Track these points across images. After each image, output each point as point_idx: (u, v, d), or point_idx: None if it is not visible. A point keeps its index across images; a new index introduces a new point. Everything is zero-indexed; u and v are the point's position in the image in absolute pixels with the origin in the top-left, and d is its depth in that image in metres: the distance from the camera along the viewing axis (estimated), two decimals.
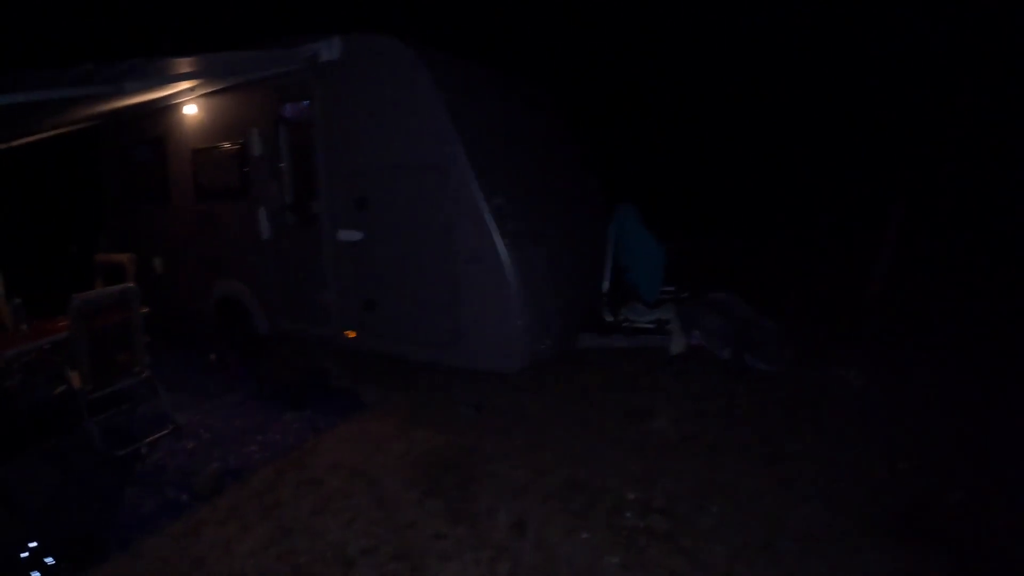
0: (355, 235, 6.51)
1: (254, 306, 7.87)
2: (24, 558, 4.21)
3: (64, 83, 5.22)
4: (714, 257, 13.49)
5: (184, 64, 6.15)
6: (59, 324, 6.42)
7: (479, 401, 6.53)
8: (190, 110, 8.23)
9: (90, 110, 7.50)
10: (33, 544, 4.31)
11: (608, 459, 5.32)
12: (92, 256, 8.44)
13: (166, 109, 8.61)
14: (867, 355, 7.58)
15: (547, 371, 7.04)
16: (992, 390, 6.54)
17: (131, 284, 5.88)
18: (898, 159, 15.20)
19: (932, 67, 14.61)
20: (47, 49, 15.51)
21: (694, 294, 8.01)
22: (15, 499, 4.98)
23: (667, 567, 3.96)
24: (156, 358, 6.19)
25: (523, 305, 5.59)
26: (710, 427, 5.89)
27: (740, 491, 4.79)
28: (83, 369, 5.46)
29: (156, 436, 6.03)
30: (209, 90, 7.79)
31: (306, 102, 6.92)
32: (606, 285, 7.82)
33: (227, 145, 7.85)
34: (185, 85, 7.22)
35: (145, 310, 6.00)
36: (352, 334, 6.82)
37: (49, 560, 4.19)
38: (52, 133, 9.36)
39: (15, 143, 9.17)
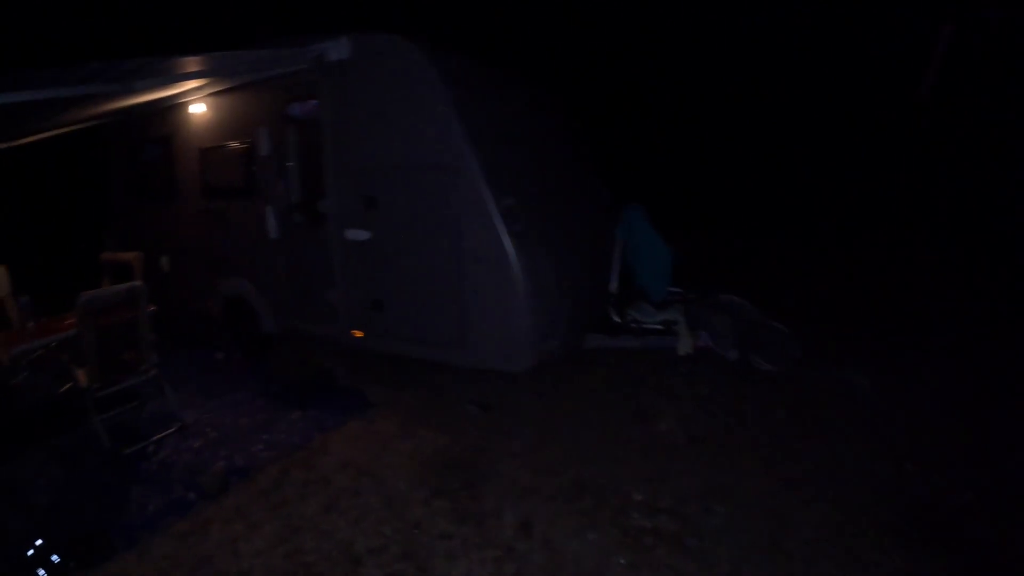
0: (363, 235, 6.51)
1: (261, 305, 7.87)
2: (30, 556, 4.22)
3: (73, 81, 5.23)
4: (719, 257, 13.47)
5: (192, 63, 6.14)
6: (66, 322, 6.43)
7: (486, 401, 6.52)
8: (197, 109, 8.24)
9: (98, 109, 7.50)
10: (39, 542, 4.31)
11: (615, 459, 5.31)
12: (98, 254, 8.46)
13: (173, 108, 8.62)
14: (873, 356, 7.56)
15: (554, 371, 7.03)
16: (999, 391, 6.53)
17: (138, 282, 5.88)
18: (899, 159, 15.25)
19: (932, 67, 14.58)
20: (47, 49, 15.54)
21: (701, 295, 7.99)
22: (21, 496, 4.99)
23: (674, 568, 3.95)
24: (163, 356, 6.20)
25: (530, 305, 5.58)
26: (717, 428, 5.88)
27: (747, 492, 4.78)
28: (90, 367, 5.47)
29: (162, 434, 6.04)
30: (217, 89, 7.79)
31: (314, 101, 6.91)
32: (614, 286, 7.80)
33: (235, 144, 7.86)
34: (193, 84, 7.22)
35: (152, 308, 6.00)
36: (359, 333, 6.82)
37: (55, 558, 4.19)
38: (60, 131, 9.37)
39: (23, 141, 9.19)
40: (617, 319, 7.82)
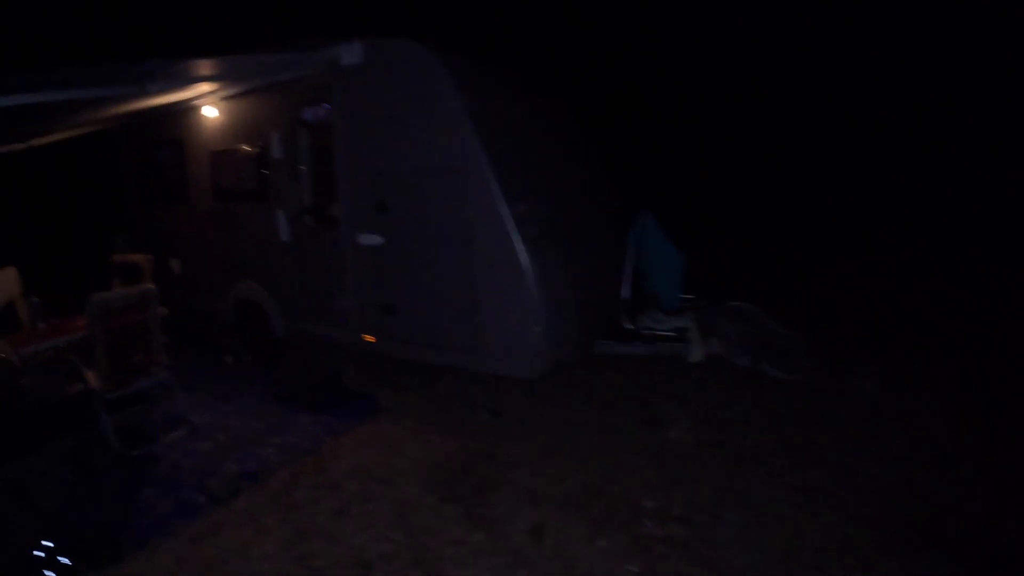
0: (375, 239, 6.50)
1: (272, 308, 7.87)
2: (39, 557, 4.22)
3: (88, 83, 5.24)
4: (727, 262, 13.46)
5: (206, 66, 6.16)
6: (77, 323, 6.45)
7: (497, 406, 6.50)
8: (210, 112, 8.26)
9: (112, 111, 7.53)
10: (48, 543, 4.31)
11: (626, 466, 5.29)
12: (109, 256, 8.48)
13: (185, 111, 8.65)
14: (881, 362, 7.53)
15: (566, 377, 7.02)
16: (1007, 397, 6.49)
17: (150, 285, 5.89)
18: (899, 159, 15.26)
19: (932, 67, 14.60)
20: (47, 49, 15.62)
21: (712, 302, 7.97)
22: (30, 497, 5.00)
23: None
24: (173, 358, 6.20)
25: (543, 311, 5.56)
26: (728, 435, 5.85)
27: (758, 500, 4.76)
28: (100, 369, 5.47)
29: (172, 437, 6.04)
30: (229, 93, 7.80)
31: (326, 105, 6.93)
32: (625, 292, 7.78)
33: (247, 147, 7.87)
34: (206, 87, 7.24)
35: (163, 311, 6.00)
36: (371, 338, 6.81)
37: (64, 560, 4.19)
38: (73, 133, 9.41)
39: (36, 143, 9.23)
40: (629, 325, 7.79)
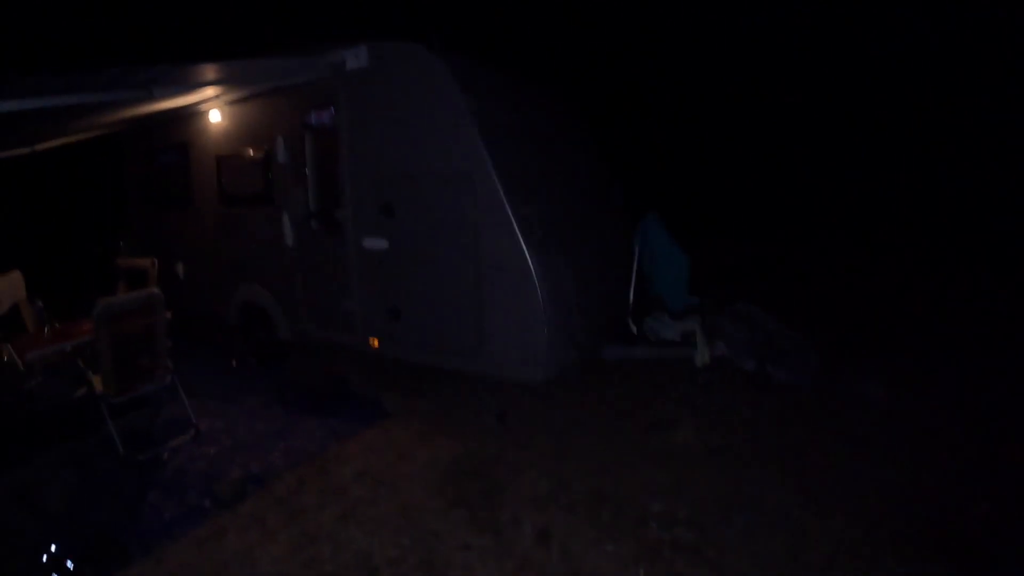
0: (381, 243, 6.50)
1: (276, 312, 7.87)
2: (45, 561, 4.21)
3: (95, 87, 5.25)
4: (732, 264, 13.45)
5: (211, 71, 6.17)
6: (82, 327, 6.45)
7: (503, 410, 6.48)
8: (215, 116, 8.27)
9: (117, 115, 7.54)
10: (54, 547, 4.31)
11: (633, 470, 5.27)
12: (114, 259, 8.49)
13: (190, 115, 8.67)
14: (889, 366, 7.51)
15: (571, 381, 7.00)
16: (1015, 400, 6.46)
17: (155, 290, 5.88)
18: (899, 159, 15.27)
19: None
20: (51, 52, 15.66)
21: (718, 305, 7.95)
22: (36, 501, 5.00)
23: None
24: (178, 362, 6.19)
25: (549, 315, 5.55)
26: (735, 439, 5.83)
27: (765, 503, 4.74)
28: (106, 373, 5.46)
29: (178, 441, 6.03)
30: (234, 97, 7.81)
31: (332, 109, 6.92)
32: (631, 296, 7.78)
33: (252, 152, 7.88)
34: (211, 91, 7.24)
35: (169, 315, 6.00)
36: (376, 342, 6.80)
37: (70, 564, 4.19)
38: (78, 138, 9.43)
39: (41, 147, 9.24)
40: (635, 329, 7.79)
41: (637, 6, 19.06)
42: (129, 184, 10.66)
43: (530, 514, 4.65)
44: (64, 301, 8.14)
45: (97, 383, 5.62)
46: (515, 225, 5.55)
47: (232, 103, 8.00)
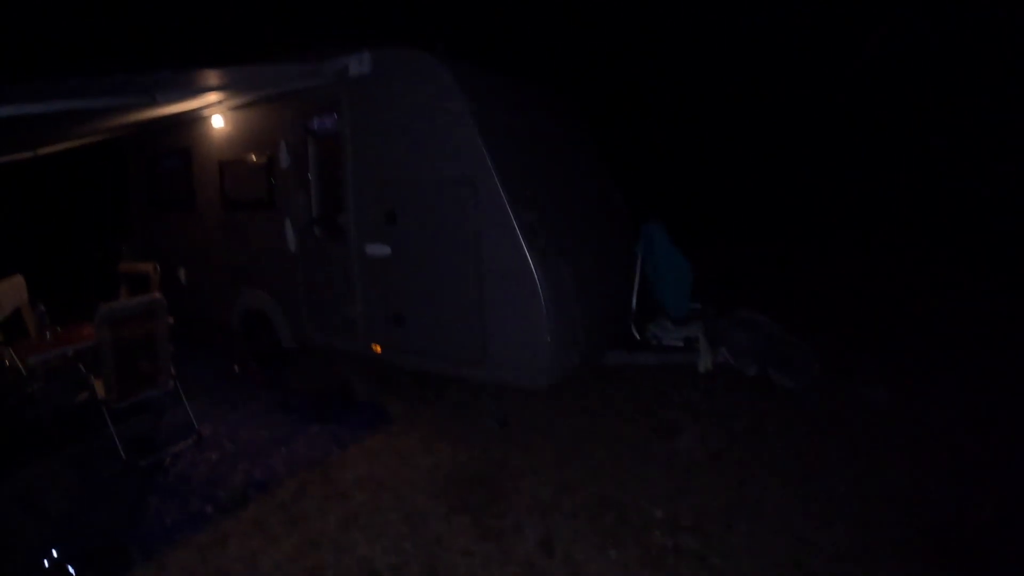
0: (383, 249, 6.49)
1: (279, 318, 7.86)
2: (46, 566, 4.21)
3: (98, 93, 5.25)
4: (733, 269, 13.44)
5: (214, 76, 6.17)
6: (83, 332, 6.45)
7: (505, 416, 6.47)
8: (217, 122, 8.27)
9: (120, 120, 7.54)
10: (55, 552, 4.31)
11: (636, 476, 5.27)
12: (116, 264, 8.48)
13: (193, 121, 8.68)
14: (892, 370, 7.51)
15: (574, 387, 7.00)
16: (1019, 403, 6.46)
17: (158, 295, 5.88)
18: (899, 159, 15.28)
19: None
20: (47, 49, 15.68)
21: (721, 311, 7.95)
22: (38, 506, 4.99)
23: None
24: (180, 367, 6.19)
25: (552, 321, 5.54)
26: (738, 444, 5.84)
27: (768, 509, 4.75)
28: (108, 378, 5.45)
29: (180, 446, 6.02)
30: (237, 103, 7.81)
31: (335, 115, 6.92)
32: (634, 302, 7.77)
33: (254, 157, 7.88)
34: (214, 97, 7.24)
35: (171, 321, 5.99)
36: (379, 348, 6.79)
37: (71, 569, 4.18)
38: (80, 142, 9.43)
39: (44, 151, 9.25)
40: (637, 335, 7.78)
41: (637, 6, 19.07)
42: (131, 188, 10.67)
43: (533, 520, 4.65)
44: (66, 305, 8.13)
45: (99, 388, 5.61)
46: (518, 231, 5.54)
47: (235, 108, 8.00)
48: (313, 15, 17.59)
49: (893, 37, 16.40)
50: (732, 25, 18.12)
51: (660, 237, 7.63)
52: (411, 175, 6.30)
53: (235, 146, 8.18)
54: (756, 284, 12.01)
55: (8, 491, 5.28)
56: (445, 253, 6.08)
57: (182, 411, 6.26)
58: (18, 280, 7.46)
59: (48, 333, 6.67)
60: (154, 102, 5.92)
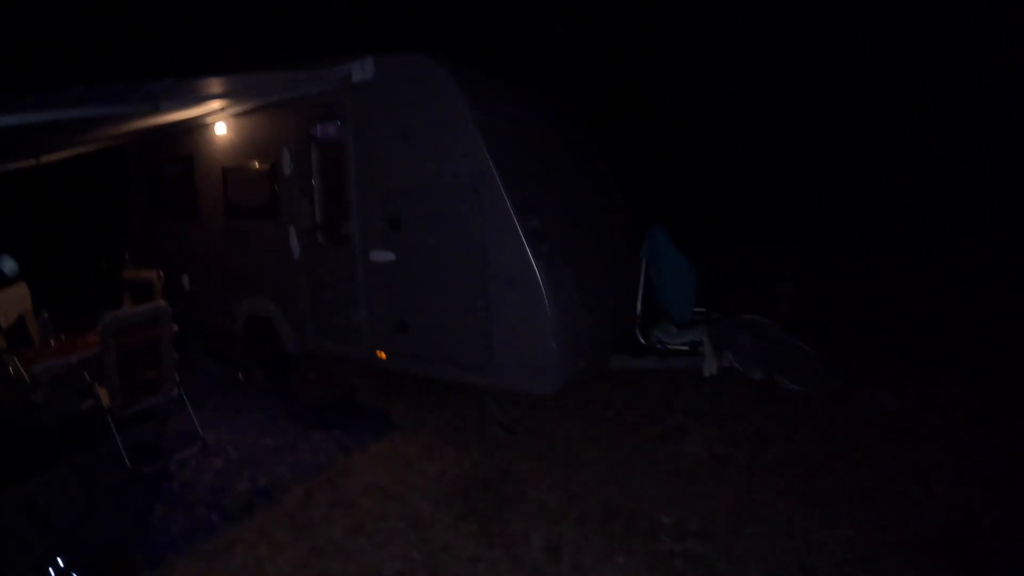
0: (388, 256, 6.49)
1: (283, 325, 7.86)
2: (51, 575, 4.20)
3: (102, 101, 5.25)
4: (735, 272, 13.41)
5: (218, 84, 6.17)
6: (88, 340, 6.44)
7: (511, 422, 6.46)
8: (220, 129, 8.28)
9: (123, 128, 7.54)
10: (60, 561, 4.30)
11: (642, 481, 5.26)
12: (120, 271, 8.48)
13: (196, 128, 8.68)
14: (898, 372, 7.49)
15: (579, 392, 6.98)
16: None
17: (163, 303, 5.87)
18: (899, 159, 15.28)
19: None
20: (47, 49, 15.70)
21: (725, 315, 7.93)
22: (43, 514, 4.99)
23: None
24: (184, 375, 6.19)
25: (557, 327, 5.54)
26: (744, 449, 5.81)
27: (775, 514, 4.73)
28: (112, 386, 5.45)
29: (185, 454, 6.01)
30: (240, 109, 7.81)
31: (338, 122, 6.92)
32: (638, 306, 7.76)
33: (258, 164, 7.88)
34: (218, 104, 7.25)
35: (175, 328, 5.99)
36: (384, 355, 6.78)
37: None
38: (84, 150, 9.44)
39: (47, 159, 9.26)
40: (642, 340, 7.76)
41: (637, 6, 19.07)
42: (135, 196, 10.68)
43: (540, 527, 4.63)
44: (70, 313, 8.12)
45: (103, 395, 5.61)
46: (522, 237, 5.54)
47: (238, 115, 8.00)
48: (313, 16, 17.63)
49: (893, 37, 16.41)
50: (732, 25, 18.12)
51: (664, 241, 7.61)
52: (415, 181, 6.30)
53: (238, 153, 8.18)
54: (760, 288, 11.98)
55: (13, 499, 5.27)
56: (450, 259, 6.08)
57: (187, 418, 6.25)
58: (22, 288, 7.46)
59: (52, 341, 6.67)
60: (157, 110, 5.92)
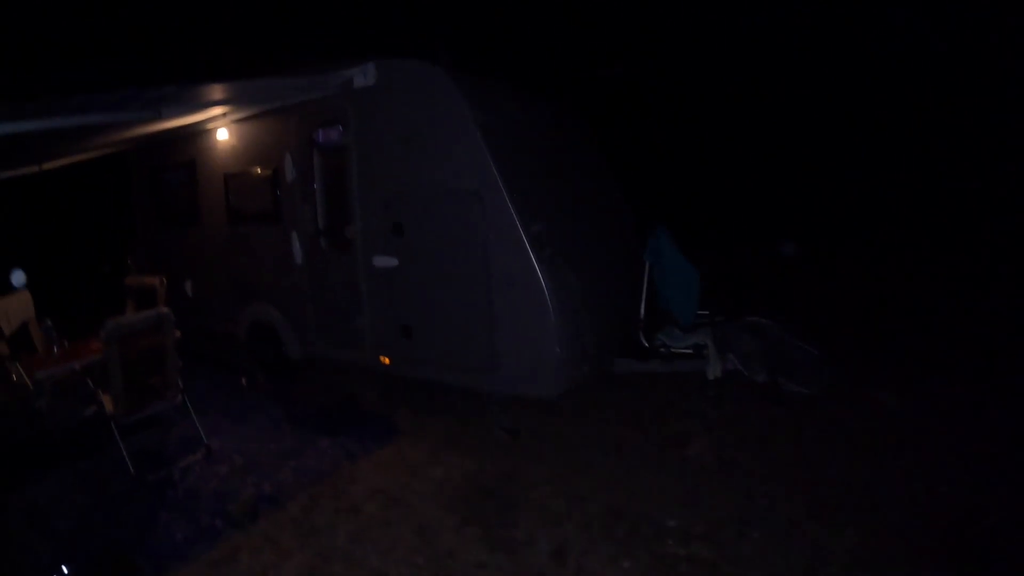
0: (391, 261, 6.49)
1: (286, 330, 7.86)
2: None
3: (103, 108, 5.26)
4: (736, 274, 13.40)
5: (219, 90, 6.18)
6: (91, 346, 6.44)
7: (515, 427, 6.45)
8: (222, 135, 8.28)
9: (125, 134, 7.55)
10: (64, 568, 4.30)
11: (647, 485, 5.24)
12: (123, 278, 8.48)
13: (198, 134, 8.68)
14: (902, 374, 7.48)
15: (583, 396, 6.96)
16: None
17: (165, 309, 5.87)
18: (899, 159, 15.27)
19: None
20: (47, 49, 15.70)
21: (729, 318, 7.92)
22: (47, 521, 4.99)
23: None
24: (188, 381, 6.18)
25: (561, 331, 5.54)
26: (748, 451, 5.80)
27: (780, 516, 4.71)
28: (116, 393, 5.44)
29: (189, 460, 6.01)
30: (242, 115, 7.82)
31: (340, 127, 6.93)
32: (642, 310, 7.74)
33: (260, 170, 7.89)
34: (219, 110, 7.25)
35: (178, 335, 5.98)
36: (387, 360, 6.78)
37: None
38: (86, 156, 9.44)
39: (49, 165, 9.26)
40: (646, 343, 7.75)
41: (637, 6, 19.06)
42: (137, 202, 10.68)
43: (545, 531, 4.62)
44: (73, 320, 8.12)
45: (107, 402, 5.60)
46: (525, 241, 5.54)
47: (240, 121, 8.01)
48: (313, 16, 17.63)
49: (893, 37, 16.41)
50: (732, 25, 18.10)
51: (667, 244, 7.60)
52: (417, 186, 6.31)
53: (240, 159, 8.19)
54: (764, 289, 11.98)
55: (17, 507, 5.27)
56: (453, 264, 6.08)
57: (190, 425, 6.25)
58: (25, 295, 7.47)
59: (55, 348, 6.67)
60: (160, 117, 5.93)
